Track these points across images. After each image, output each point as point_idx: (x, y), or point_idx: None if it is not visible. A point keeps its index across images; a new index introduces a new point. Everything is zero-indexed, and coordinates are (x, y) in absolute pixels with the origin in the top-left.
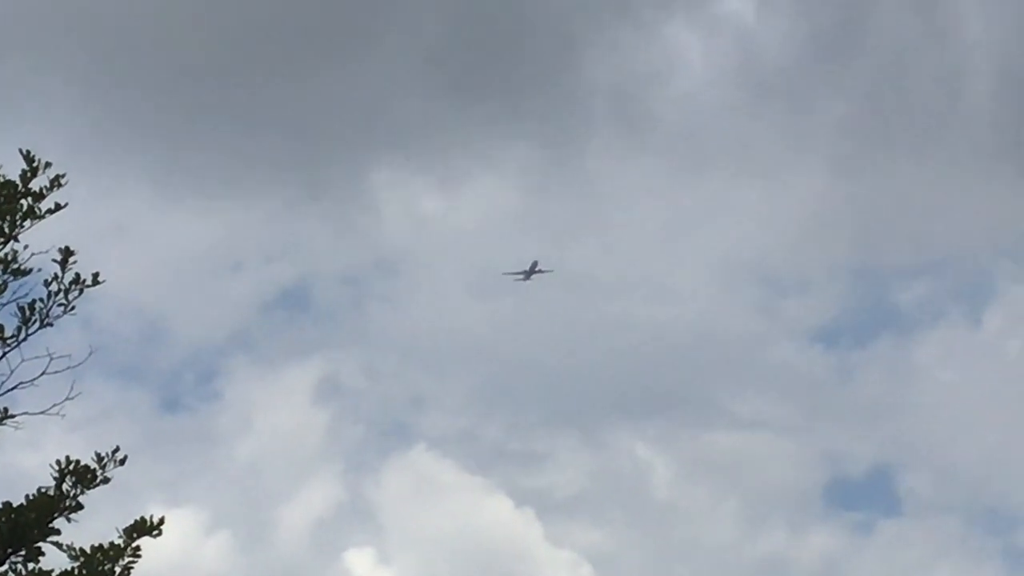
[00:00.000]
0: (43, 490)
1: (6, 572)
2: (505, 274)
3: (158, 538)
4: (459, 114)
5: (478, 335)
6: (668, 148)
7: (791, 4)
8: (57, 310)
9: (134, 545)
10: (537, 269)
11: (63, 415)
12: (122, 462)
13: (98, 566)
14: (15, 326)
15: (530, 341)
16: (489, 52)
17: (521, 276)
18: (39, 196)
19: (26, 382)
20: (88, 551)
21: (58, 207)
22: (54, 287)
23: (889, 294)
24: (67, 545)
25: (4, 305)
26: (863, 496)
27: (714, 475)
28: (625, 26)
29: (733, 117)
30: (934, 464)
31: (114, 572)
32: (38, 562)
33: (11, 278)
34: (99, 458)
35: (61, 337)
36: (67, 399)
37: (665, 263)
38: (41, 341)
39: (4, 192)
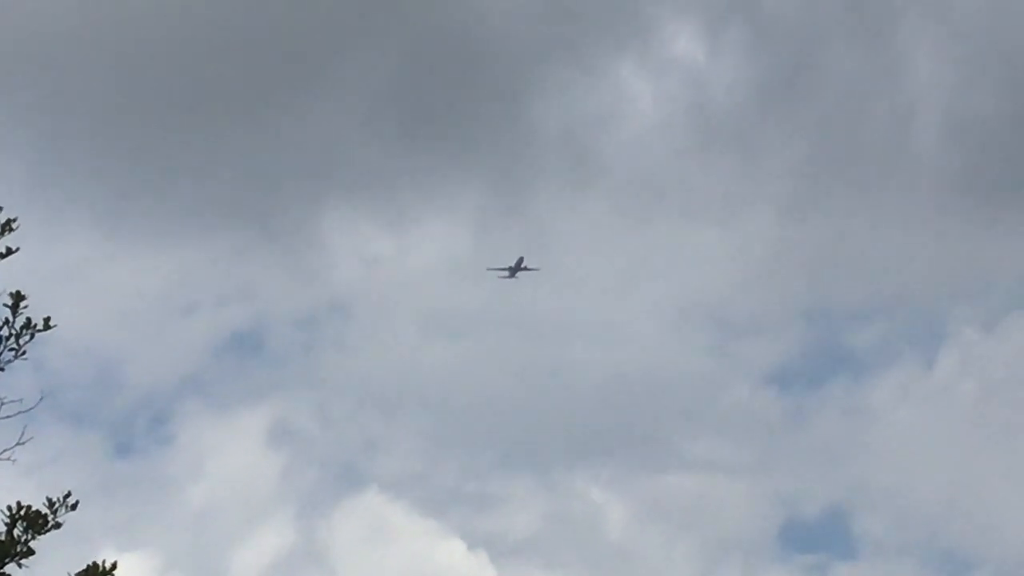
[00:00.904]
0: None
1: None
2: (490, 270)
3: None
4: (410, 158)
5: (432, 377)
6: (618, 191)
7: (742, 47)
8: (8, 355)
9: None
10: (523, 266)
11: (14, 460)
12: (74, 507)
13: None
14: None
15: (484, 383)
16: (439, 96)
17: (506, 273)
18: None
19: None
20: None
21: (9, 251)
22: (5, 332)
23: (843, 336)
24: None
25: None
26: (818, 538)
27: (669, 517)
28: (574, 69)
29: (684, 160)
30: (889, 506)
31: None
32: None
33: None
34: (51, 503)
35: (12, 382)
36: (18, 444)
37: (618, 306)
38: None
39: None
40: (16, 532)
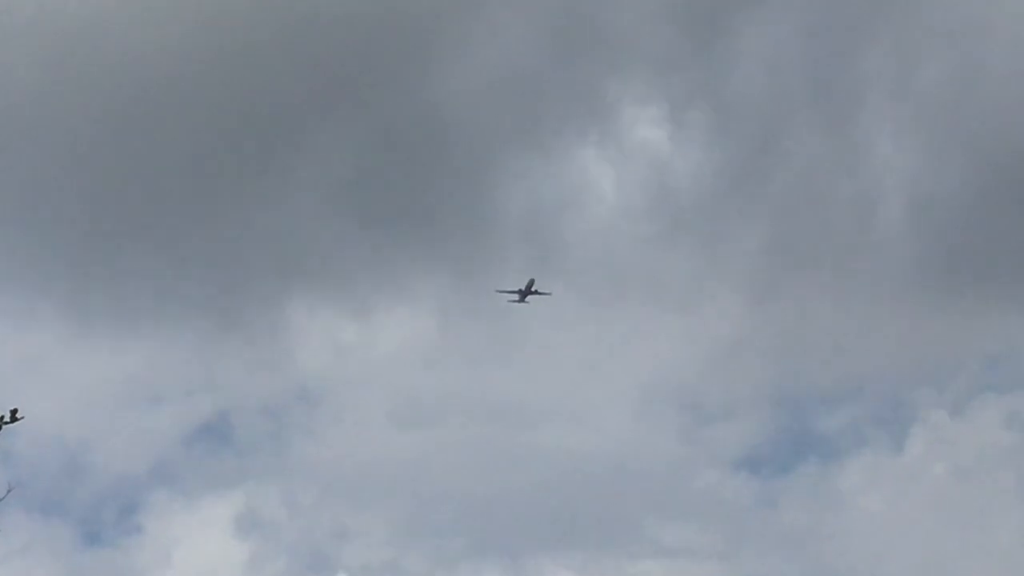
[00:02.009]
0: None
1: None
2: (499, 292)
3: None
4: (373, 245)
5: (400, 465)
6: (583, 277)
7: (705, 131)
8: None
9: None
10: (534, 290)
11: None
12: None
13: None
14: None
15: (453, 470)
16: (402, 183)
17: (516, 297)
18: None
19: None
20: None
21: None
22: None
23: (811, 420)
24: None
25: None
26: None
27: None
28: (537, 155)
29: (648, 245)
30: None
31: None
32: None
33: None
34: None
35: None
36: None
37: (585, 392)
38: None
39: None
40: None
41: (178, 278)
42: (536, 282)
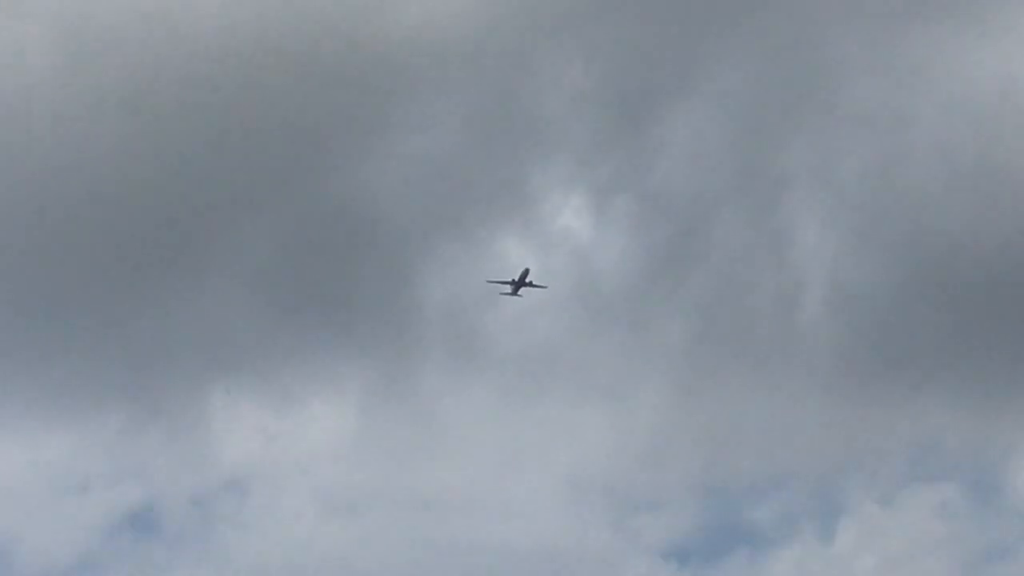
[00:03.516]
0: None
1: None
2: (490, 282)
3: None
4: (296, 334)
5: (328, 555)
6: (507, 367)
7: (629, 219)
8: None
9: None
10: (528, 281)
11: None
12: None
13: None
14: None
15: (380, 561)
16: (324, 271)
17: (508, 289)
18: None
19: None
20: None
21: None
22: None
23: (740, 510)
24: None
25: None
26: None
27: None
28: (460, 243)
29: (572, 335)
30: None
31: None
32: None
33: None
34: None
35: None
36: None
37: (512, 482)
38: None
39: None
40: None
41: (100, 366)
42: (531, 275)
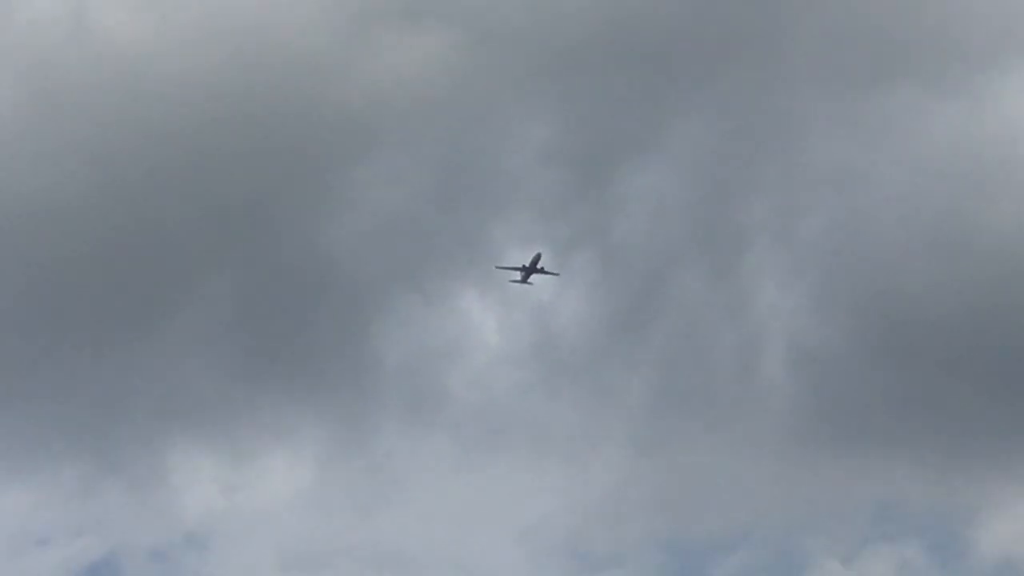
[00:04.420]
0: None
1: None
2: (499, 268)
3: None
4: (253, 389)
5: None
6: (465, 424)
7: (588, 278)
8: None
9: None
10: (539, 267)
11: None
12: None
13: None
14: None
15: None
16: (283, 326)
17: (519, 276)
18: None
19: None
20: None
21: None
22: None
23: (701, 569)
24: None
25: None
26: None
27: None
28: (419, 300)
29: (531, 392)
30: None
31: None
32: None
33: None
34: None
35: None
36: None
37: (470, 539)
38: None
39: None
40: None
41: (58, 421)
42: (542, 261)
